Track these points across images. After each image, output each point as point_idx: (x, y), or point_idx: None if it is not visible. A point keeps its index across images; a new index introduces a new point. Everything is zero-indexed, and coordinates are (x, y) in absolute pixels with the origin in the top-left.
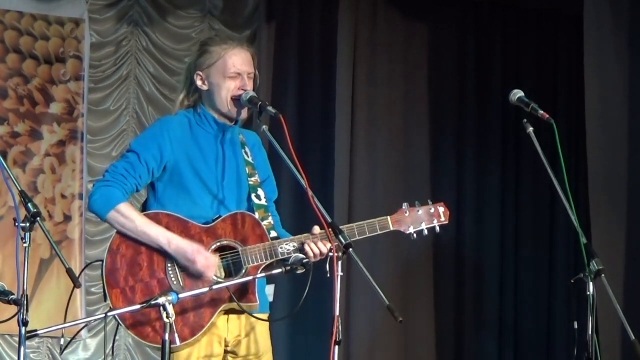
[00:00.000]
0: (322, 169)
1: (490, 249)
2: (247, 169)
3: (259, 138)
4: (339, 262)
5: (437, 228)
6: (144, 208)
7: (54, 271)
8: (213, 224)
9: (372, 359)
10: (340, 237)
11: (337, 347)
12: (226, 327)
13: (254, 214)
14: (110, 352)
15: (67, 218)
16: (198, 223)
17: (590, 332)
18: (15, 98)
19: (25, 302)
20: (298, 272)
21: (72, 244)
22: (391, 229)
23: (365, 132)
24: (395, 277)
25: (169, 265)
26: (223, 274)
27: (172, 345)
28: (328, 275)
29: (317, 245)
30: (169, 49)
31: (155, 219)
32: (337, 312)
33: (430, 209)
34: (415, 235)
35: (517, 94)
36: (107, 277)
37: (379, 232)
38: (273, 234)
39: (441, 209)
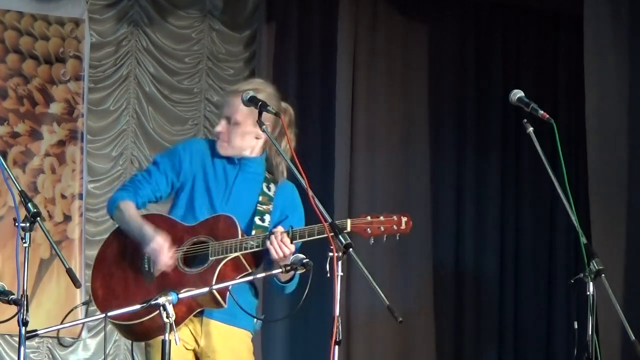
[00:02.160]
0: (322, 169)
1: (490, 248)
2: (260, 197)
3: (291, 187)
4: (339, 262)
5: (397, 236)
6: None
7: (54, 271)
8: (195, 223)
9: (372, 359)
10: (340, 237)
11: (337, 347)
12: (188, 332)
13: (252, 231)
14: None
15: (67, 218)
16: (186, 224)
17: (590, 332)
18: (15, 98)
19: (25, 302)
20: (298, 271)
21: (72, 244)
22: (348, 230)
23: (365, 132)
24: (395, 277)
25: (146, 255)
26: (183, 264)
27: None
28: (328, 275)
29: (274, 243)
30: (169, 49)
31: (149, 217)
32: (337, 312)
33: (393, 217)
34: (373, 240)
35: (517, 94)
36: (95, 264)
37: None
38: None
39: (404, 219)
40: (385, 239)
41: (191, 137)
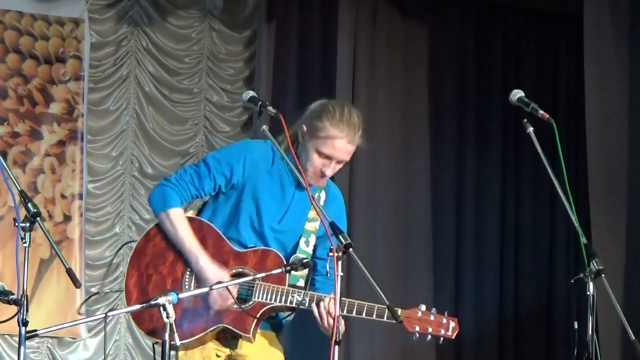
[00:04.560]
0: None
1: (489, 248)
2: (310, 213)
3: (340, 194)
4: (339, 262)
5: (441, 340)
6: (200, 209)
7: (54, 271)
8: (245, 251)
9: (372, 359)
10: (340, 237)
11: (337, 347)
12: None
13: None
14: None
15: (67, 218)
16: (233, 245)
17: (590, 332)
18: (15, 98)
19: (25, 302)
20: (298, 271)
21: (72, 244)
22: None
23: (365, 132)
24: (395, 277)
25: (188, 270)
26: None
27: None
28: (328, 275)
29: (321, 309)
30: (169, 49)
31: (199, 225)
32: (337, 312)
33: (443, 320)
34: (418, 336)
35: (517, 94)
36: (132, 257)
37: (386, 319)
38: (300, 282)
39: (452, 325)
40: (429, 338)
41: (250, 141)
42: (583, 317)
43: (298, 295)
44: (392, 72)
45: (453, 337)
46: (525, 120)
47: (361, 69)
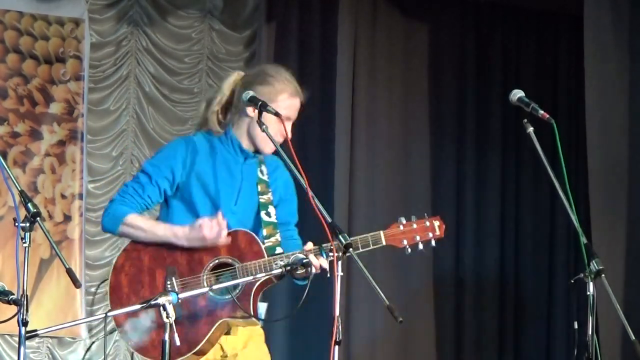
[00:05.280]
0: (322, 169)
1: (490, 248)
2: (259, 187)
3: (280, 162)
4: (339, 262)
5: (433, 242)
6: None
7: (54, 271)
8: None
9: (372, 359)
10: (340, 237)
11: (337, 347)
12: (225, 341)
13: (262, 230)
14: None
15: (67, 218)
16: None
17: (590, 332)
18: (15, 98)
19: (25, 302)
20: (298, 272)
21: (72, 244)
22: (384, 244)
23: (365, 132)
24: (395, 277)
25: (168, 282)
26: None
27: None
28: (328, 275)
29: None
30: (169, 49)
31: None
32: (337, 312)
33: (426, 222)
34: (410, 249)
35: (517, 94)
36: (111, 295)
37: (372, 247)
38: (278, 250)
39: (437, 223)
40: (421, 246)
41: (180, 137)
42: (583, 317)
43: (280, 260)
44: (392, 72)
45: (442, 235)
46: (525, 120)
47: (361, 68)
